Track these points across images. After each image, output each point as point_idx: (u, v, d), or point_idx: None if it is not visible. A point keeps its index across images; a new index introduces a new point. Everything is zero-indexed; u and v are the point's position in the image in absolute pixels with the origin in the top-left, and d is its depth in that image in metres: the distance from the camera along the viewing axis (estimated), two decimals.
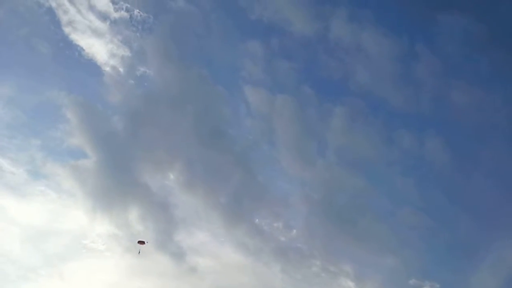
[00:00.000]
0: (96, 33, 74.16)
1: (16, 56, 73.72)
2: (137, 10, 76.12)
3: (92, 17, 73.58)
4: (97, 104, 75.53)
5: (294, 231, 77.71)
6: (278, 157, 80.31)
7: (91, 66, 74.57)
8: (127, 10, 75.66)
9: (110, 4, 74.61)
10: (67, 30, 72.40)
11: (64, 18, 72.05)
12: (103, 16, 74.38)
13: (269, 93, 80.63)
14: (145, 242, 37.43)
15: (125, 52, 76.06)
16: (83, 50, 73.15)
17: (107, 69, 74.83)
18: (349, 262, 74.08)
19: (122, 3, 75.41)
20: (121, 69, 75.78)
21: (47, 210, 70.57)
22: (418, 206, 76.19)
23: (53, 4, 71.48)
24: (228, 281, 73.63)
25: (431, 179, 80.00)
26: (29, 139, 73.02)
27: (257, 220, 77.47)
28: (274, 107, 79.88)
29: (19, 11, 71.05)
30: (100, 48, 74.25)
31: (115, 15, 75.07)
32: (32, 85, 74.23)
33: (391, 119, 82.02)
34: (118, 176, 72.26)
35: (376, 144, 79.80)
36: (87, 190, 70.96)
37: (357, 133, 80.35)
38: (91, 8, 73.60)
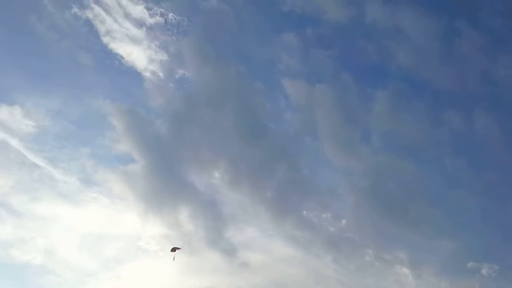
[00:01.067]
0: (134, 40, 76.02)
1: (60, 69, 76.58)
2: (171, 14, 77.40)
3: (128, 25, 75.41)
4: (140, 110, 77.28)
5: (344, 221, 77.07)
6: (321, 148, 79.70)
7: (131, 73, 76.50)
8: (161, 15, 77.05)
9: (145, 11, 76.16)
10: (105, 39, 74.50)
11: (101, 28, 74.18)
12: (139, 23, 76.07)
13: (307, 84, 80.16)
14: (179, 248, 38.08)
15: (163, 56, 77.60)
16: (123, 58, 75.05)
17: (147, 74, 76.58)
18: (403, 249, 73.03)
19: (156, 8, 76.84)
20: (160, 74, 77.38)
21: (101, 215, 72.98)
22: (472, 187, 74.06)
23: (90, 15, 73.68)
24: (280, 275, 73.88)
25: (483, 158, 77.40)
26: (78, 148, 76.01)
27: (304, 212, 77.35)
28: (313, 98, 79.32)
29: (59, 25, 73.68)
30: (139, 54, 76.03)
31: (151, 21, 76.58)
32: (77, 96, 77.04)
33: (437, 99, 79.68)
34: (166, 178, 73.87)
35: (422, 126, 77.89)
36: (138, 193, 72.99)
37: (401, 117, 78.68)
38: (127, 16, 75.44)
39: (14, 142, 68.79)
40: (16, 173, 69.70)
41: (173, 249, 37.20)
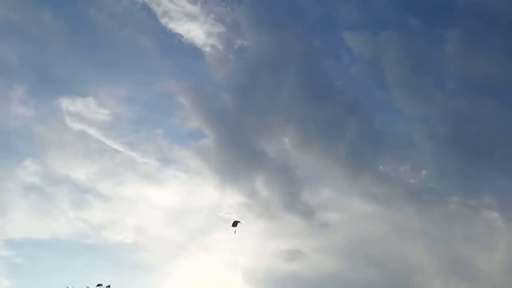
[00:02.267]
0: (190, 17, 76.46)
1: (124, 56, 79.60)
2: None
3: (183, 2, 75.96)
4: (204, 85, 78.70)
5: (424, 171, 74.79)
6: (392, 99, 77.18)
7: (192, 50, 77.38)
8: None
9: None
10: (163, 21, 75.51)
11: (158, 10, 75.26)
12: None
13: (370, 34, 77.04)
14: (240, 222, 38.49)
15: (220, 29, 77.59)
16: (182, 36, 75.95)
17: (207, 49, 77.15)
18: (491, 193, 70.10)
19: None
20: (219, 46, 77.66)
21: (181, 191, 76.07)
22: None
23: None
24: (362, 232, 73.23)
25: None
26: (153, 130, 79.24)
27: (381, 167, 75.58)
28: (378, 48, 76.16)
29: (117, 13, 76.12)
30: (196, 31, 76.53)
31: None
32: (144, 80, 79.66)
33: None
34: (237, 149, 75.21)
35: (499, 62, 72.38)
36: (213, 166, 75.14)
37: (476, 55, 73.69)
38: None
39: (92, 132, 72.89)
40: (98, 160, 74.17)
41: (234, 223, 37.73)
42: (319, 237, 71.42)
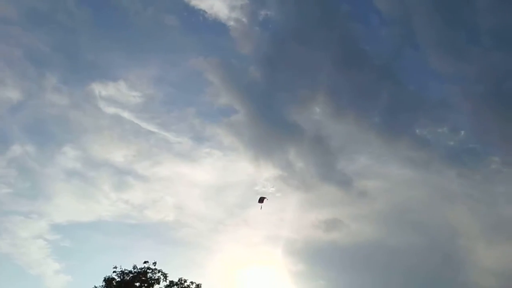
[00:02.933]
0: None
1: (150, 37, 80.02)
2: None
3: None
4: (232, 60, 78.21)
5: (462, 132, 73.15)
6: (425, 58, 75.18)
7: (216, 26, 76.91)
8: None
9: None
10: None
11: None
12: None
13: None
14: (266, 198, 38.14)
15: (242, 1, 76.46)
16: (206, 12, 75.37)
17: (232, 23, 76.14)
18: None
19: None
20: (244, 19, 76.46)
21: (217, 168, 76.83)
22: None
23: None
24: (401, 199, 72.45)
25: None
26: (184, 109, 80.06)
27: (417, 130, 74.06)
28: (408, 6, 73.48)
29: None
30: (219, 5, 75.81)
31: None
32: (172, 60, 79.95)
33: None
34: (269, 122, 74.88)
35: None
36: (246, 141, 75.33)
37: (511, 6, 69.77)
38: None
39: (126, 115, 74.22)
40: (134, 142, 75.72)
41: (261, 199, 37.53)
42: (358, 205, 71.13)
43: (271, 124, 75.04)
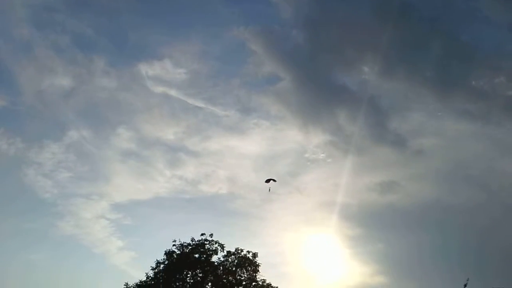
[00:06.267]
0: None
1: (190, 11, 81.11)
2: None
3: None
4: (273, 26, 77.09)
5: None
6: (478, 6, 70.18)
7: None
8: None
9: None
10: None
11: None
12: None
13: None
14: (274, 180, 37.05)
15: None
16: None
17: None
18: None
19: None
20: None
21: (266, 138, 76.62)
22: None
23: None
24: (459, 154, 69.62)
25: None
26: (229, 81, 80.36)
27: (473, 82, 70.17)
28: None
29: None
30: None
31: None
32: (214, 32, 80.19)
33: None
34: (316, 87, 73.53)
35: None
36: (293, 109, 74.80)
37: None
38: None
39: (173, 92, 75.36)
40: (183, 118, 77.13)
41: (267, 180, 36.87)
42: (413, 165, 69.23)
43: (318, 89, 73.85)
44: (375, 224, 68.23)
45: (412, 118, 72.32)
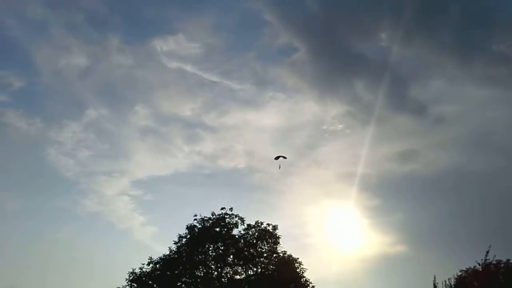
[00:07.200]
0: None
1: None
2: None
3: None
4: None
5: None
6: None
7: None
8: None
9: None
10: None
11: None
12: None
13: None
14: (284, 157, 36.43)
15: None
16: None
17: None
18: None
19: None
20: None
21: (282, 111, 76.24)
22: None
23: None
24: (481, 121, 68.25)
25: None
26: (244, 55, 79.64)
27: (494, 46, 68.09)
28: None
29: None
30: None
31: None
32: (227, 4, 78.96)
33: None
34: (332, 56, 72.49)
35: None
36: (309, 80, 73.74)
37: None
38: None
39: (189, 68, 74.95)
40: (200, 94, 76.98)
41: (277, 157, 36.32)
42: (434, 133, 68.09)
43: (334, 58, 72.67)
44: (394, 194, 68.29)
45: (432, 85, 70.95)
